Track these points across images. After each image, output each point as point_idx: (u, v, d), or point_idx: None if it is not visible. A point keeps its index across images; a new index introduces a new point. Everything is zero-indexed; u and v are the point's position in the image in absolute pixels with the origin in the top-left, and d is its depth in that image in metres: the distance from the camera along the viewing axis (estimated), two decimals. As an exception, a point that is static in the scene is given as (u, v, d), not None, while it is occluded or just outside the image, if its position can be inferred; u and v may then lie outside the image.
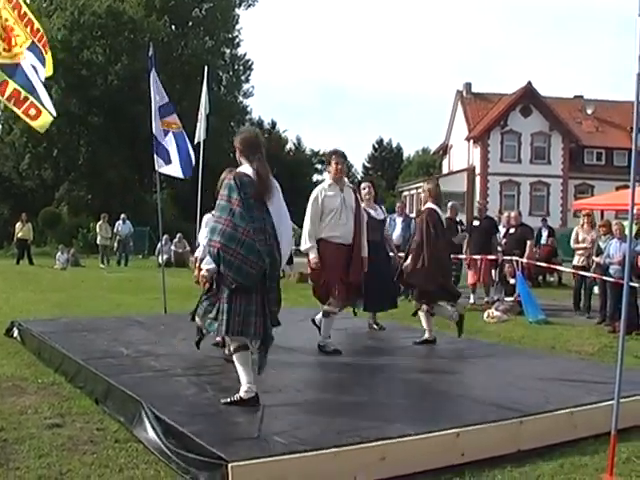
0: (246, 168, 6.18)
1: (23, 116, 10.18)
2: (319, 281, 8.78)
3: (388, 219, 18.13)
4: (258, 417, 5.71)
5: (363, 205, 9.50)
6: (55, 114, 10.29)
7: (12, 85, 9.94)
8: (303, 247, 8.80)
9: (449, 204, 17.93)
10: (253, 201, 5.98)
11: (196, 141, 15.37)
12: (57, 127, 48.75)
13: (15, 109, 10.14)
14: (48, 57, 10.36)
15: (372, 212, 10.22)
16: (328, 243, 8.68)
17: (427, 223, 9.44)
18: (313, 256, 8.64)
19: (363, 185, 10.46)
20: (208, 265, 6.33)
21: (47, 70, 10.32)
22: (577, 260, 14.99)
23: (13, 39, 10.03)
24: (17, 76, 9.98)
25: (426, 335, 9.53)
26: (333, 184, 8.82)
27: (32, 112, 10.06)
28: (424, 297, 9.51)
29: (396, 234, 17.09)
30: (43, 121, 10.19)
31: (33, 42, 10.11)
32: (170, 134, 12.97)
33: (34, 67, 10.08)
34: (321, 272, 8.65)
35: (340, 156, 8.88)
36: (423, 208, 9.87)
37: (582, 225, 15.33)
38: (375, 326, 10.94)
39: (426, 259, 9.36)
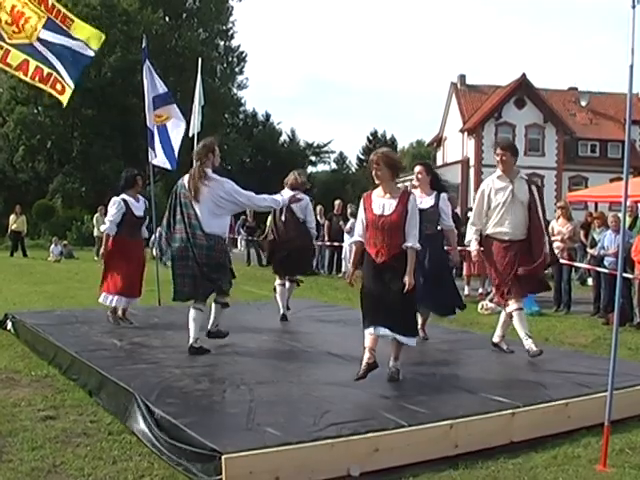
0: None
1: (51, 90, 10.44)
2: (495, 279, 8.41)
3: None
4: (252, 409, 5.71)
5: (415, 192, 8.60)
6: (73, 86, 10.39)
7: (33, 63, 10.09)
8: (466, 240, 8.62)
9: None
10: (183, 200, 7.92)
11: (191, 134, 15.32)
12: (51, 119, 48.75)
13: (41, 85, 10.41)
14: (84, 29, 10.45)
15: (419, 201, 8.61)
16: (494, 240, 8.23)
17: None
18: (472, 248, 8.39)
19: (415, 169, 9.26)
20: None
21: (92, 43, 10.43)
22: None
23: (21, 25, 10.06)
24: (35, 54, 10.06)
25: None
26: (502, 176, 8.25)
27: (58, 87, 10.29)
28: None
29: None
30: (68, 95, 10.45)
31: (49, 18, 10.14)
32: (155, 128, 12.99)
33: (53, 43, 10.14)
34: (492, 270, 8.33)
35: (501, 148, 8.34)
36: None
37: (557, 218, 14.99)
38: (420, 333, 9.06)
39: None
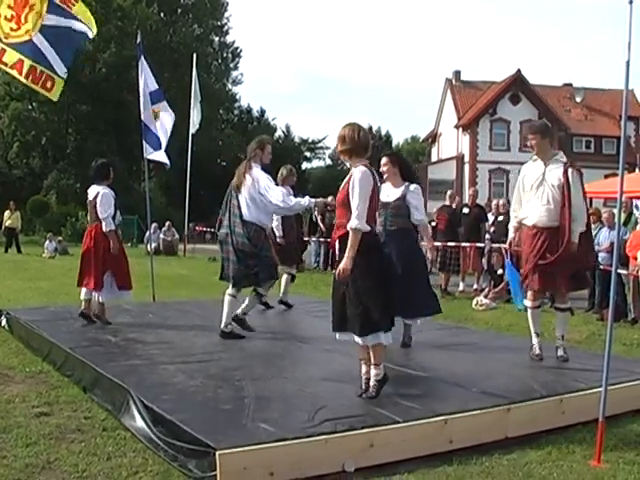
0: None
1: (42, 90, 10.49)
2: (522, 270, 7.96)
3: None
4: (246, 405, 5.70)
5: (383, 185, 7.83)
6: (64, 75, 10.38)
7: (28, 62, 10.08)
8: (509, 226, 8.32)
9: (448, 192, 18.00)
10: (231, 191, 8.64)
11: (192, 131, 15.27)
12: (45, 115, 48.70)
13: (33, 86, 10.45)
14: (83, 12, 10.45)
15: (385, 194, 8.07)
16: (524, 227, 7.84)
17: None
18: (509, 237, 8.11)
19: (382, 161, 8.41)
20: None
21: (92, 26, 10.46)
22: None
23: (23, 17, 10.05)
24: (30, 52, 10.07)
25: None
26: (537, 159, 7.81)
27: (48, 84, 10.33)
28: None
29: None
30: (57, 88, 10.44)
31: (52, 1, 10.13)
32: (158, 122, 12.91)
33: (56, 26, 10.14)
34: (523, 258, 7.90)
35: (531, 132, 7.93)
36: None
37: None
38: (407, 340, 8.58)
39: None
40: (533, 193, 7.71)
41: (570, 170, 7.59)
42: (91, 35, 10.62)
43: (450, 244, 16.09)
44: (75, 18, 10.33)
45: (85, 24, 10.42)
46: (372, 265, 5.92)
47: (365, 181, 5.90)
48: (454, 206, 17.28)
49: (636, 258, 12.14)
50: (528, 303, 7.92)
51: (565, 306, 7.93)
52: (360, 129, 6.12)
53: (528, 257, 7.74)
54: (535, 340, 7.90)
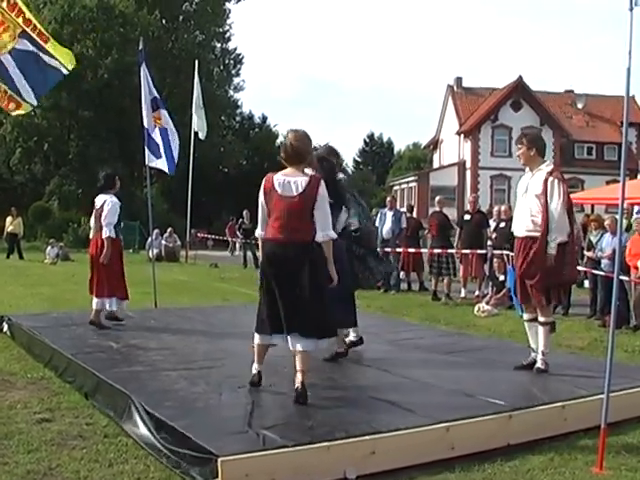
0: None
1: (5, 109, 10.49)
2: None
3: (378, 213, 18.19)
4: (248, 411, 5.70)
5: None
6: (36, 103, 10.54)
7: None
8: None
9: (436, 198, 18.06)
10: None
11: (201, 137, 15.20)
12: (47, 121, 48.72)
13: None
14: (58, 48, 10.44)
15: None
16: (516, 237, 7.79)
17: None
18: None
19: None
20: None
21: (66, 62, 10.42)
22: None
23: None
24: None
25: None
26: (527, 168, 7.72)
27: (12, 106, 10.33)
28: None
29: (386, 228, 17.27)
30: (24, 110, 10.61)
31: (24, 31, 10.13)
32: (157, 129, 12.93)
33: (27, 51, 10.15)
34: None
35: (516, 141, 7.92)
36: None
37: None
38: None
39: None
40: (519, 203, 7.70)
41: (550, 179, 7.37)
42: (65, 72, 10.58)
43: (446, 250, 16.11)
44: (48, 54, 10.33)
45: (59, 61, 10.40)
46: (265, 274, 6.27)
47: (261, 191, 6.25)
48: (444, 211, 17.30)
49: (637, 267, 12.13)
50: (525, 315, 7.86)
51: (544, 320, 7.56)
52: (294, 137, 6.28)
53: (517, 268, 7.74)
54: (531, 350, 7.78)
